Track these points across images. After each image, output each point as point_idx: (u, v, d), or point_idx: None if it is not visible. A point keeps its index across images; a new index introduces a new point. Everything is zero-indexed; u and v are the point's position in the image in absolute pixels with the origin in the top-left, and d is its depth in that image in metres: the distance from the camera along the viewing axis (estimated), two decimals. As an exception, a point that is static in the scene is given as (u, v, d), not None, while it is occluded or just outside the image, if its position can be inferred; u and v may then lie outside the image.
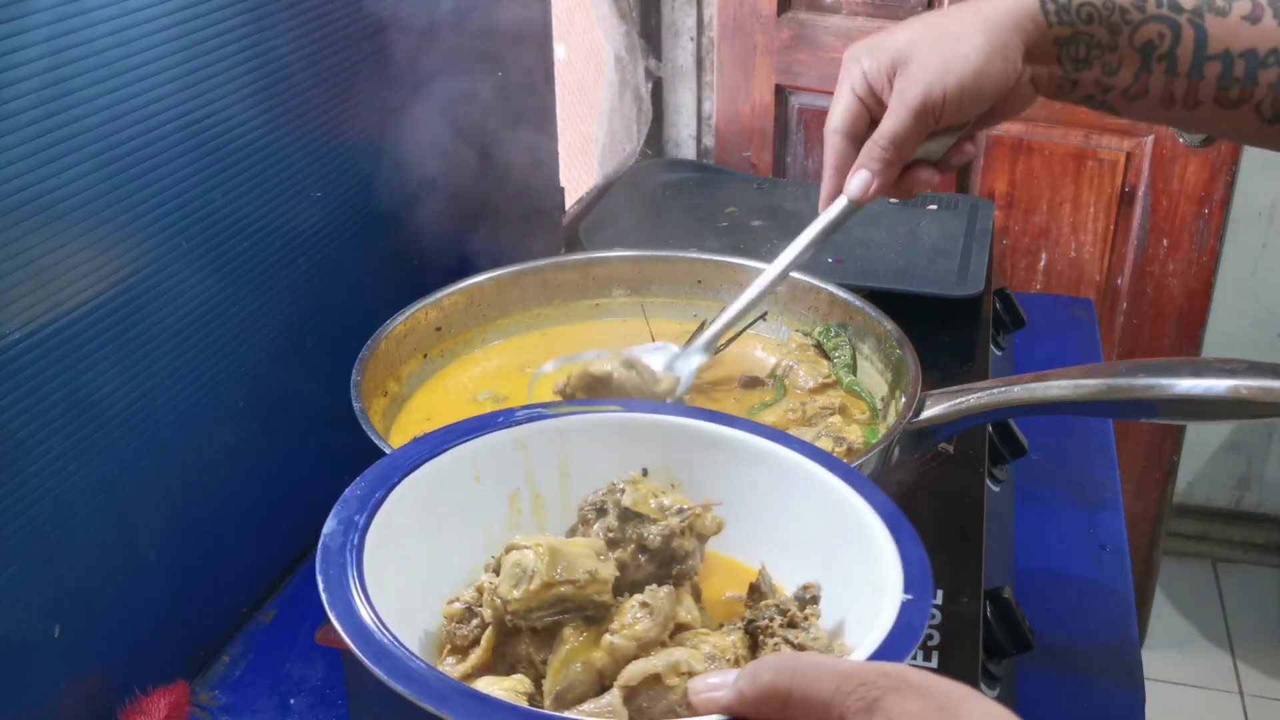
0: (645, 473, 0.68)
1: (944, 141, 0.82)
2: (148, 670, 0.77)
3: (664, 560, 0.63)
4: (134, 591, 0.76)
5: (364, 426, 0.81)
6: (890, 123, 0.79)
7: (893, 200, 1.15)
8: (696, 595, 0.64)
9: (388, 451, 0.78)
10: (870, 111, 0.82)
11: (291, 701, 0.80)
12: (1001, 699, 0.84)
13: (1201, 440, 2.33)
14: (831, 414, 0.95)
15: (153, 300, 0.74)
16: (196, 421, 0.79)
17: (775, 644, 0.60)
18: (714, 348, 0.93)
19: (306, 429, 0.93)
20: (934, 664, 0.79)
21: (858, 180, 0.82)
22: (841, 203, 0.84)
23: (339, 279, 0.95)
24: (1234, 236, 2.02)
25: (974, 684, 0.79)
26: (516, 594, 0.58)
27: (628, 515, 0.63)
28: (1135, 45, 0.77)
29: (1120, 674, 0.91)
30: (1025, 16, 0.77)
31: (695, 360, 0.92)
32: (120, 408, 0.72)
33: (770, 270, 0.88)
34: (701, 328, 0.99)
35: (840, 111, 0.83)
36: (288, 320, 0.89)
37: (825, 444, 0.91)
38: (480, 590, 0.62)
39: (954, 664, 0.79)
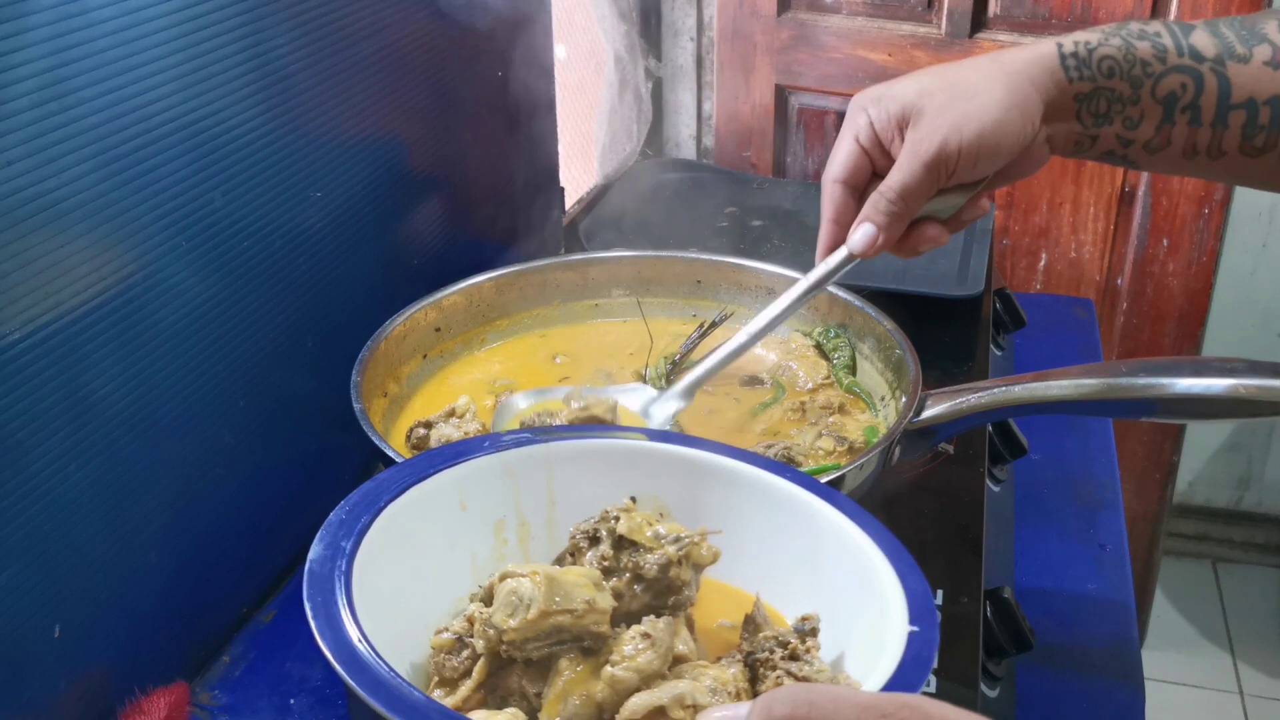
0: (634, 500, 0.66)
1: (953, 200, 0.79)
2: (148, 670, 0.77)
3: (660, 590, 0.61)
4: (134, 591, 0.76)
5: (364, 427, 0.81)
6: (900, 175, 0.76)
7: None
8: (691, 627, 0.63)
9: (388, 452, 0.78)
10: (874, 163, 0.79)
11: (291, 701, 0.80)
12: (1001, 699, 0.84)
13: (1201, 440, 2.33)
14: (831, 414, 0.95)
15: (153, 300, 0.74)
16: (196, 421, 0.79)
17: (777, 677, 0.59)
18: (694, 393, 0.89)
19: (306, 429, 0.93)
20: (934, 664, 0.79)
21: (862, 233, 0.78)
22: (841, 254, 0.80)
23: (339, 279, 0.95)
24: (1234, 236, 2.02)
25: (974, 684, 0.79)
26: (513, 623, 0.57)
27: (623, 543, 0.62)
28: (1157, 97, 0.75)
29: (1120, 674, 0.91)
30: (1044, 72, 0.75)
31: (672, 406, 0.88)
32: (120, 408, 0.72)
33: (761, 318, 0.85)
34: (679, 367, 0.97)
35: (841, 160, 0.79)
36: (288, 320, 0.88)
37: (827, 443, 0.91)
38: (471, 620, 0.60)
39: (954, 664, 0.79)
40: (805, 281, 0.83)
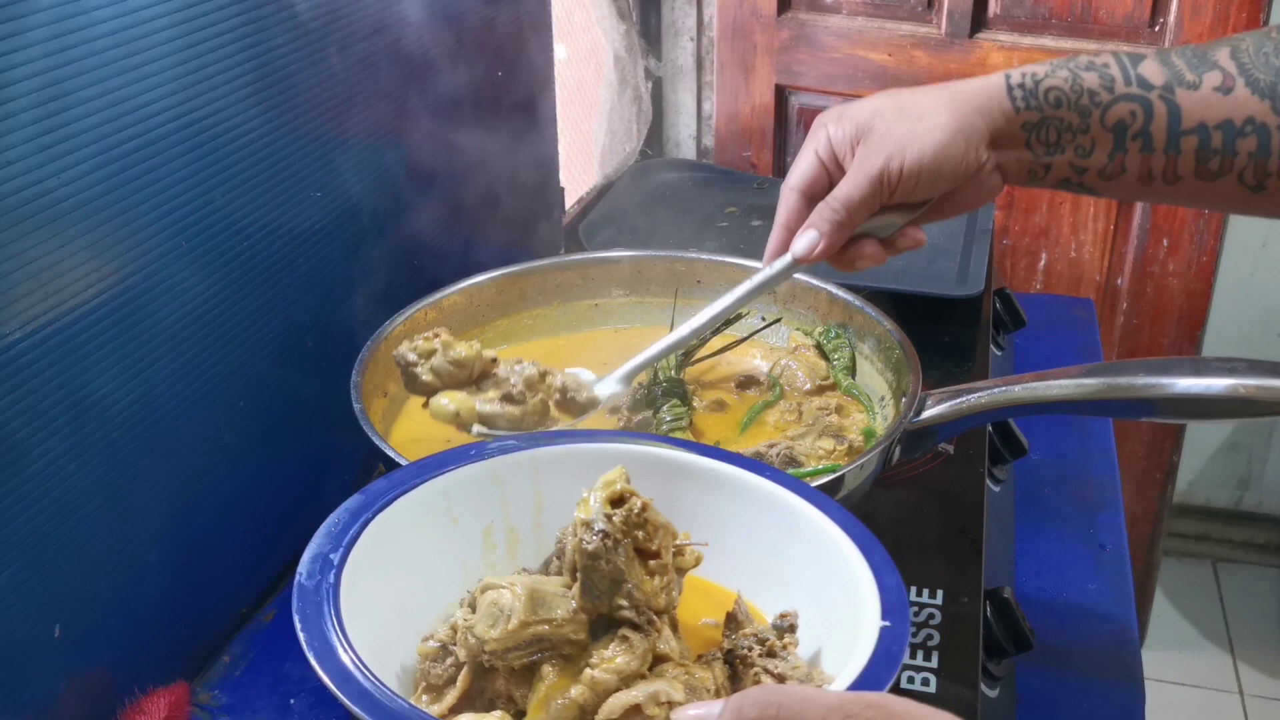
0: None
1: (894, 220, 0.82)
2: (148, 670, 0.77)
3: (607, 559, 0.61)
4: (134, 591, 0.76)
5: (364, 427, 0.81)
6: (846, 187, 0.80)
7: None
8: (674, 627, 0.64)
9: (388, 452, 0.78)
10: (829, 175, 0.82)
11: (291, 701, 0.80)
12: (1001, 699, 0.84)
13: (1201, 440, 2.33)
14: (829, 414, 0.95)
15: (153, 300, 0.74)
16: (196, 421, 0.79)
17: (755, 674, 0.60)
18: (631, 380, 0.90)
19: (306, 429, 0.93)
20: (934, 664, 0.79)
21: (805, 239, 0.82)
22: (786, 260, 0.84)
23: (339, 279, 0.95)
24: (1234, 236, 2.02)
25: (974, 684, 0.79)
26: (494, 634, 0.58)
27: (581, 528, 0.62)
28: (1107, 125, 0.77)
29: (1120, 674, 0.91)
30: (992, 102, 0.77)
31: (609, 388, 0.89)
32: (120, 408, 0.72)
33: (701, 316, 0.88)
34: (689, 356, 0.97)
35: (800, 171, 0.83)
36: (288, 320, 0.89)
37: (826, 443, 0.91)
38: (454, 628, 0.62)
39: (954, 664, 0.79)
40: (750, 283, 0.86)
